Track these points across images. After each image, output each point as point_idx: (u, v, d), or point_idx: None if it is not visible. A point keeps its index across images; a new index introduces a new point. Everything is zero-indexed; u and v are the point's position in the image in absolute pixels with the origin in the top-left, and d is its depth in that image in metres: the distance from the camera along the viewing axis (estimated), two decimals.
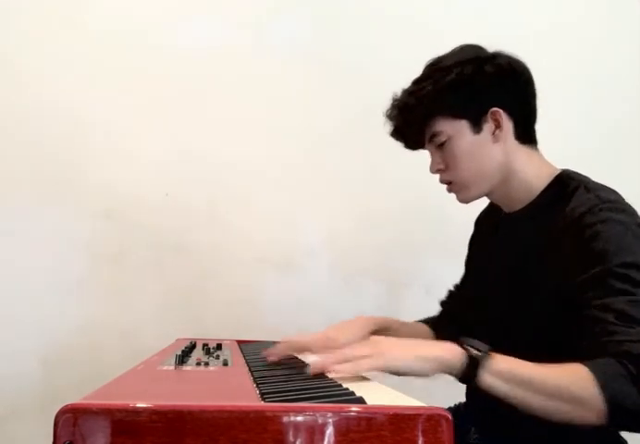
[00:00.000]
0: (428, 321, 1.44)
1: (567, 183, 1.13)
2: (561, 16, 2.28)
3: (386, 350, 0.91)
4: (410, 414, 0.66)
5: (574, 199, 1.08)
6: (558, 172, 1.17)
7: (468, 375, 0.89)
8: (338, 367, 0.90)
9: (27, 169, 1.98)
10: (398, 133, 1.24)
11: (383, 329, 1.29)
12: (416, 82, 1.20)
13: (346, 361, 0.90)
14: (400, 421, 0.66)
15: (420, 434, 0.66)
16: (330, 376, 0.95)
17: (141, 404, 0.64)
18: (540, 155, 1.21)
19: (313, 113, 2.11)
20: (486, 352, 0.90)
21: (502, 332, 1.12)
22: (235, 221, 2.05)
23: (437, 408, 0.68)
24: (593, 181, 1.13)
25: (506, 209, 1.24)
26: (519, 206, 1.19)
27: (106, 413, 0.63)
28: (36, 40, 2.00)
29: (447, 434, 0.66)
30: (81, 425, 0.63)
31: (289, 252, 2.08)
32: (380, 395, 0.83)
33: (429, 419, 0.66)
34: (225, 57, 2.09)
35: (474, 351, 0.89)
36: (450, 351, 0.90)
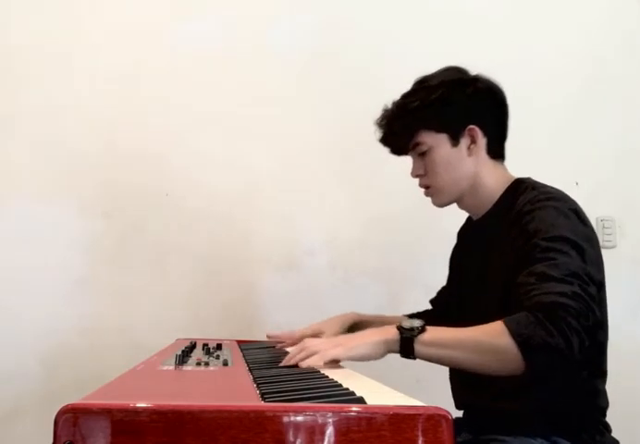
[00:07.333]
0: (413, 315, 1.57)
1: (519, 187, 1.28)
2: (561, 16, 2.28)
3: (343, 342, 1.07)
4: (410, 414, 0.66)
5: (522, 196, 1.24)
6: (513, 179, 1.32)
7: (406, 350, 1.05)
8: (308, 361, 1.06)
9: (27, 169, 1.98)
10: (385, 140, 1.39)
11: (360, 324, 1.50)
12: (405, 97, 1.35)
13: (312, 354, 1.06)
14: (400, 421, 0.66)
15: (420, 434, 0.66)
16: (330, 375, 0.95)
17: (141, 404, 0.64)
18: (504, 168, 1.36)
19: (314, 114, 2.11)
20: (417, 328, 1.05)
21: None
22: (235, 221, 2.05)
23: (437, 408, 0.67)
24: (541, 183, 1.27)
25: (474, 217, 1.40)
26: (483, 212, 1.34)
27: (106, 413, 0.63)
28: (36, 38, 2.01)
29: (447, 434, 0.66)
30: (81, 425, 0.63)
31: (289, 252, 2.08)
32: (380, 395, 0.83)
33: (429, 419, 0.66)
34: (227, 59, 2.10)
35: (406, 330, 1.05)
36: (389, 334, 1.06)
